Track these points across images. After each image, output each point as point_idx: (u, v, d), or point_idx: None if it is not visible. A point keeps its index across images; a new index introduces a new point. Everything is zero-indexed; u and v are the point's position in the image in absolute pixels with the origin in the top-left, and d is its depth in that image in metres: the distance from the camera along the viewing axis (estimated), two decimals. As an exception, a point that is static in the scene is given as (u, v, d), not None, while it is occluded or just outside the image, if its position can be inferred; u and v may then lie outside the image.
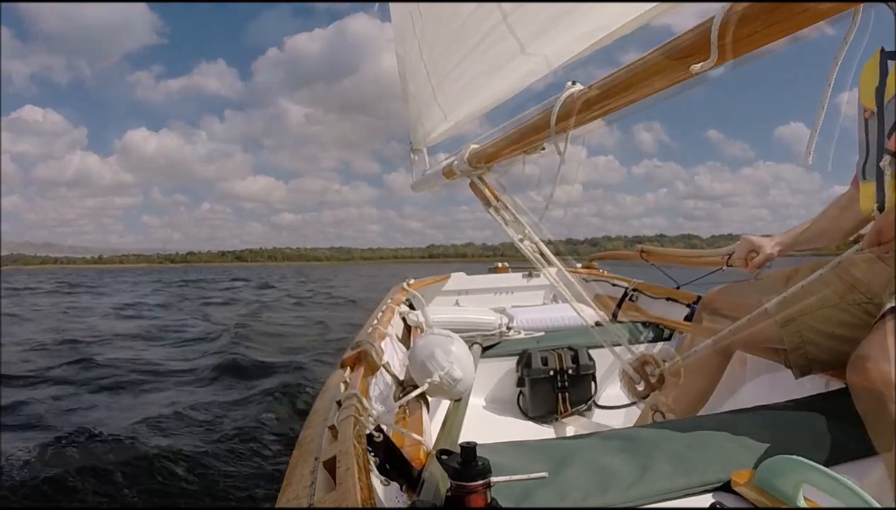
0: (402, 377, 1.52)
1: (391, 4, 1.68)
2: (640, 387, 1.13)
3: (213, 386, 4.89)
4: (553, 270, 1.23)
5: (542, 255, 1.22)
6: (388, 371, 1.44)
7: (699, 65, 0.56)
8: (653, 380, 1.14)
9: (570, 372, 2.01)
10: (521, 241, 1.21)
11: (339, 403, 0.96)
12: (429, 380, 1.27)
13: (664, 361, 1.15)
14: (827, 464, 0.72)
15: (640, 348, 1.29)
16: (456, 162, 1.25)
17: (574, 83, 0.84)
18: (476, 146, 1.19)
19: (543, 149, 1.10)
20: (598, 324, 1.21)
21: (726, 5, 0.53)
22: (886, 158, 1.14)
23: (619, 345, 1.16)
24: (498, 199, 1.20)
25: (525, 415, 2.02)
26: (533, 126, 0.96)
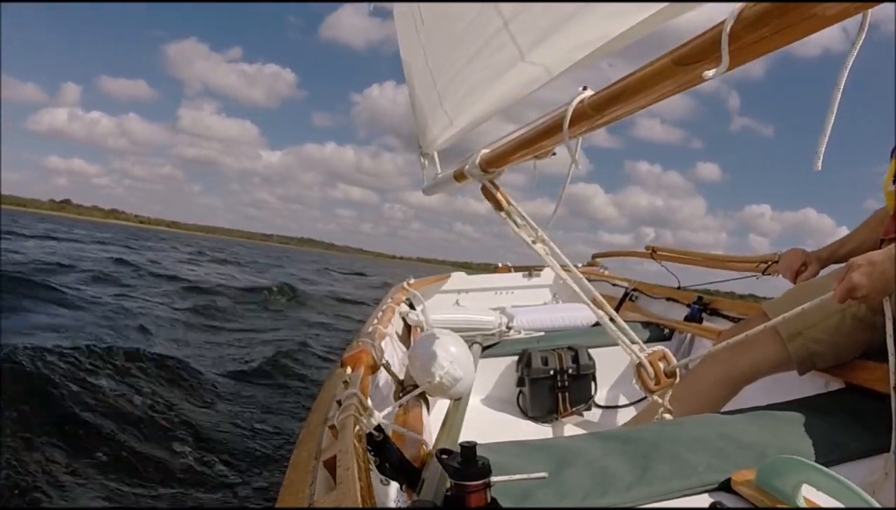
0: (402, 377, 1.52)
1: (395, 10, 1.68)
2: (653, 383, 1.15)
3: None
4: (565, 272, 1.25)
5: (555, 256, 1.24)
6: (388, 370, 1.44)
7: (711, 71, 0.56)
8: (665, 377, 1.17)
9: (570, 372, 2.01)
10: (534, 242, 1.22)
11: (339, 402, 0.96)
12: (429, 379, 1.27)
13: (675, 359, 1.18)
14: (827, 464, 0.72)
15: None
16: (467, 166, 1.25)
17: (585, 88, 0.85)
18: (487, 150, 1.20)
19: (554, 154, 1.12)
20: (611, 319, 1.22)
21: (735, 9, 0.53)
22: None
23: (636, 343, 1.17)
24: (510, 203, 1.21)
25: (525, 414, 2.02)
26: (545, 130, 0.97)
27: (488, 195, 1.24)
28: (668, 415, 1.21)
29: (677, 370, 1.17)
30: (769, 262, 2.11)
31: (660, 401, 1.20)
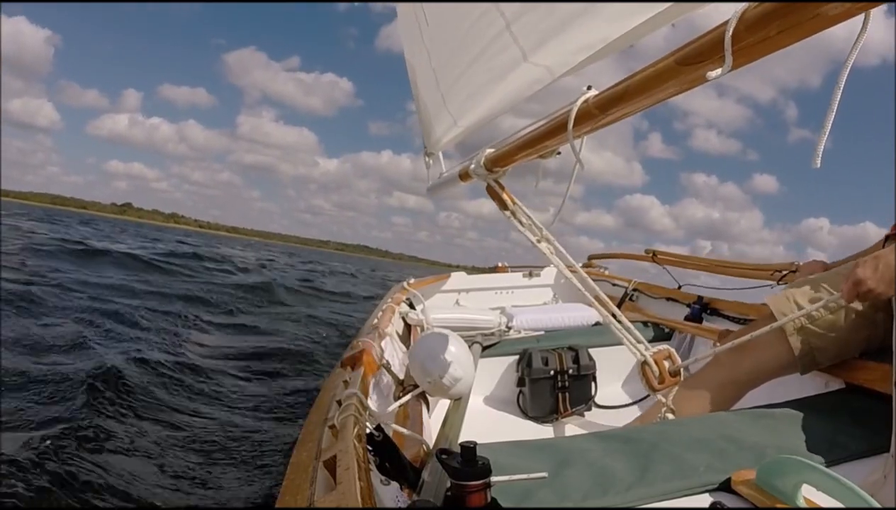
0: (402, 377, 1.52)
1: (399, 11, 1.68)
2: (657, 382, 1.15)
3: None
4: (570, 271, 1.25)
5: (560, 255, 1.24)
6: (388, 370, 1.44)
7: (716, 72, 0.56)
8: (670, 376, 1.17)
9: (570, 372, 2.01)
10: (539, 241, 1.22)
11: (339, 403, 0.96)
12: (429, 379, 1.27)
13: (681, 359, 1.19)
14: (827, 465, 0.72)
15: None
16: (472, 166, 1.26)
17: (589, 88, 0.85)
18: (492, 150, 1.21)
19: (559, 153, 1.12)
20: (614, 316, 1.22)
21: (738, 9, 0.53)
22: None
23: (640, 342, 1.17)
24: (514, 203, 1.22)
25: (525, 414, 2.02)
26: (549, 130, 0.97)
27: (493, 194, 1.24)
28: (670, 415, 1.22)
29: (681, 370, 1.17)
30: (785, 272, 1.99)
31: (663, 400, 1.21)
